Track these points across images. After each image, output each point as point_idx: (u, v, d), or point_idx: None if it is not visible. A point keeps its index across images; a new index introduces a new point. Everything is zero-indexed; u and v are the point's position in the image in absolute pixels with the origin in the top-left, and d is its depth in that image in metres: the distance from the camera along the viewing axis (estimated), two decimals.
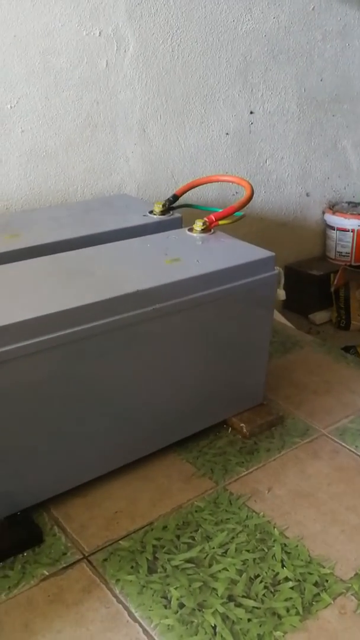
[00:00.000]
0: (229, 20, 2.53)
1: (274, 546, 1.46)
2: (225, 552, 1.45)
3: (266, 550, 1.45)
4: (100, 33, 2.24)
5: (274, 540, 1.48)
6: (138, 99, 2.41)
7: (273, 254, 1.74)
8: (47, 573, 1.39)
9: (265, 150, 2.86)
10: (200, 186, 2.24)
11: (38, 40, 2.13)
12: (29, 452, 1.46)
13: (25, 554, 1.44)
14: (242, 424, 1.82)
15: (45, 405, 1.45)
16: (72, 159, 2.33)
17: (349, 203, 3.24)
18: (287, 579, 1.38)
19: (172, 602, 1.32)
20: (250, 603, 1.32)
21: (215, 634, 1.26)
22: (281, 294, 1.80)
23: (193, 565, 1.41)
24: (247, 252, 1.75)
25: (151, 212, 2.01)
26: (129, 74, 2.35)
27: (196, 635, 1.26)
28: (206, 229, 1.84)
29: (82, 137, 2.33)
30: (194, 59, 2.49)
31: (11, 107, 2.15)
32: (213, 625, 1.28)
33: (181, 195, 2.06)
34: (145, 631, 1.27)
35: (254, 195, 1.90)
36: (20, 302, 1.43)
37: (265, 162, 2.89)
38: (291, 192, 3.05)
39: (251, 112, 2.75)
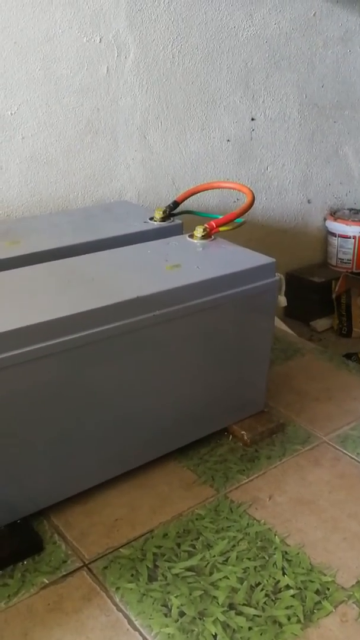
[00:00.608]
0: (230, 26, 2.53)
1: (274, 554, 1.46)
2: (226, 560, 1.44)
3: (267, 558, 1.45)
4: (100, 39, 2.24)
5: (275, 548, 1.47)
6: (139, 106, 2.41)
7: (274, 260, 1.74)
8: (47, 581, 1.38)
9: (266, 157, 2.86)
10: (201, 193, 2.24)
11: (38, 47, 2.13)
12: (28, 460, 1.46)
13: (25, 562, 1.43)
14: (242, 432, 1.82)
15: (45, 412, 1.44)
16: (73, 166, 2.33)
17: (350, 210, 3.24)
18: (288, 587, 1.37)
19: (172, 611, 1.32)
20: (251, 611, 1.31)
21: None
22: (282, 300, 1.80)
23: (193, 573, 1.40)
24: (247, 259, 1.74)
25: (152, 218, 2.01)
26: (130, 80, 2.35)
27: None
28: (207, 236, 1.83)
29: (83, 143, 2.33)
30: (194, 65, 2.49)
31: (12, 113, 2.15)
32: (214, 633, 1.27)
33: (182, 202, 2.06)
34: None
35: (255, 202, 1.90)
36: (20, 308, 1.43)
37: (267, 168, 2.88)
38: (292, 199, 3.05)
39: (252, 119, 2.75)
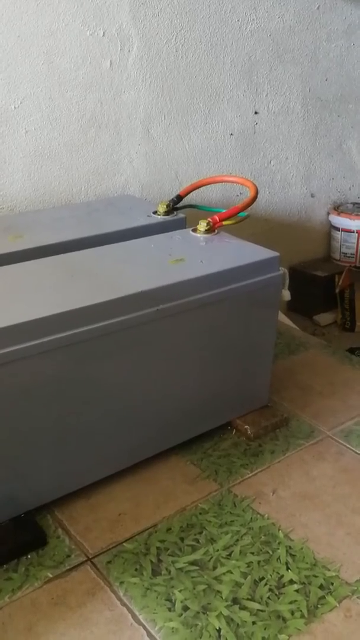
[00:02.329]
0: (233, 19, 2.52)
1: (278, 548, 1.45)
2: (230, 554, 1.44)
3: (271, 552, 1.44)
4: (104, 33, 2.23)
5: (279, 543, 1.47)
6: (142, 99, 2.40)
7: (277, 254, 1.73)
8: (50, 575, 1.38)
9: (269, 151, 2.85)
10: (205, 187, 2.23)
11: (42, 41, 2.13)
12: (32, 454, 1.46)
13: (29, 556, 1.43)
14: (246, 426, 1.81)
15: (49, 406, 1.44)
16: (76, 160, 2.32)
17: (354, 204, 3.23)
18: (292, 582, 1.37)
19: (176, 605, 1.32)
20: (255, 606, 1.31)
21: (219, 637, 1.25)
22: (286, 294, 1.79)
23: (197, 567, 1.40)
24: (251, 253, 1.74)
25: (155, 212, 2.01)
26: (133, 74, 2.35)
27: (200, 638, 1.25)
28: (210, 230, 1.83)
29: (86, 137, 2.32)
30: (198, 58, 2.49)
31: (15, 107, 2.15)
32: (217, 628, 1.27)
33: (185, 196, 2.06)
34: (149, 634, 1.26)
35: (259, 196, 1.89)
36: (23, 303, 1.43)
37: (270, 162, 2.88)
38: (296, 193, 3.04)
39: (256, 113, 2.74)
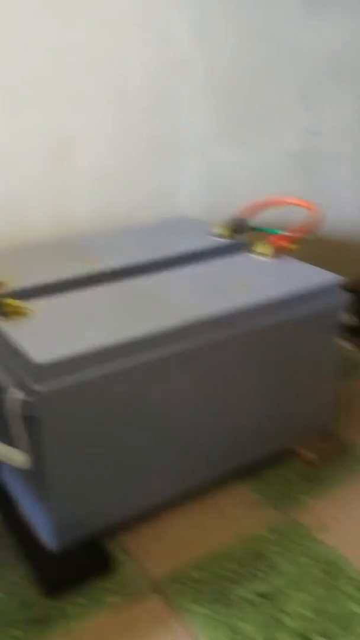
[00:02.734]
0: (293, 39, 2.51)
1: (344, 580, 1.43)
2: (295, 585, 1.42)
3: (337, 585, 1.42)
4: (167, 57, 2.24)
5: (344, 574, 1.45)
6: (202, 121, 2.40)
7: (341, 277, 1.72)
8: (117, 602, 1.38)
9: (326, 170, 2.83)
10: (265, 208, 2.22)
11: (108, 65, 2.14)
12: (98, 480, 1.46)
13: (95, 582, 1.43)
14: (308, 452, 1.80)
15: (113, 430, 1.44)
16: (137, 182, 2.33)
17: None
18: (359, 616, 1.35)
19: (241, 636, 1.30)
20: None
21: None
22: (348, 318, 1.77)
23: (262, 598, 1.39)
24: (314, 276, 1.73)
25: (216, 234, 2.00)
26: (195, 96, 2.35)
27: None
28: (272, 253, 1.82)
29: (147, 160, 2.33)
30: (257, 79, 2.48)
31: (79, 131, 2.16)
32: None
33: (245, 218, 2.05)
34: None
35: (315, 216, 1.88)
36: (89, 329, 1.43)
37: (327, 182, 2.85)
38: (352, 212, 3.01)
39: (313, 132, 2.72)
